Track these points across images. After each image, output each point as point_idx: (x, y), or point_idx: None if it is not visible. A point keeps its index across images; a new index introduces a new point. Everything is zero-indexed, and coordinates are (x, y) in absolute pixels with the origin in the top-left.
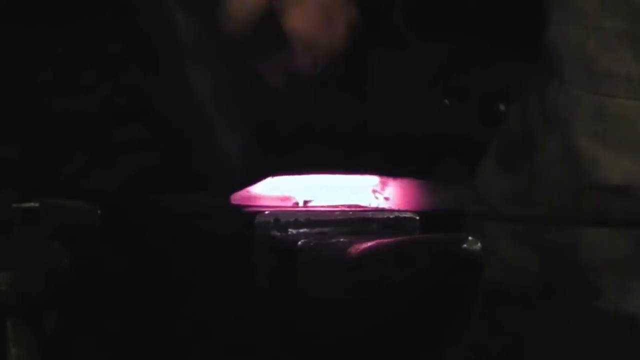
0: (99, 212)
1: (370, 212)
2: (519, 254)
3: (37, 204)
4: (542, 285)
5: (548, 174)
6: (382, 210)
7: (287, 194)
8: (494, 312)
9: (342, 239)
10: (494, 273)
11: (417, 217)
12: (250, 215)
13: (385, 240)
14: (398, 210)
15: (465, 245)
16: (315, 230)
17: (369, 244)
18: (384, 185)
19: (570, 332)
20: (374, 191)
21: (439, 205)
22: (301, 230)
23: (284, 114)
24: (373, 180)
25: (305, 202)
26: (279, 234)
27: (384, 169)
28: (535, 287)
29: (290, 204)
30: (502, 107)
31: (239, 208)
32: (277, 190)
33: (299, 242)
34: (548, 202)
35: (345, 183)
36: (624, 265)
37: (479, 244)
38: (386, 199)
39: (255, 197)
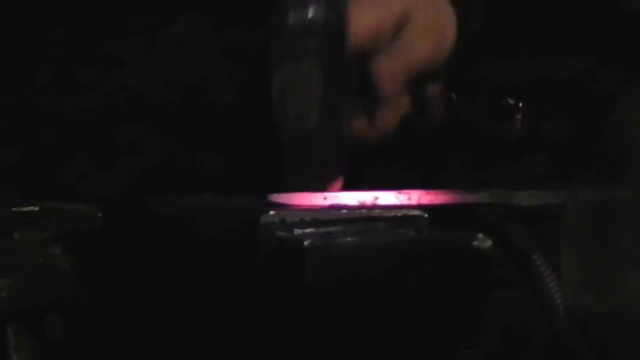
0: (100, 215)
1: (377, 211)
2: None
3: (36, 208)
4: None
5: None
6: (390, 208)
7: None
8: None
9: (349, 239)
10: None
11: (426, 215)
12: (255, 216)
13: (394, 239)
14: (406, 208)
15: (475, 243)
16: (322, 229)
17: (377, 242)
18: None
19: None
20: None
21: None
22: (307, 230)
23: None
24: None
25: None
26: (284, 234)
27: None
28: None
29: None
30: (510, 101)
31: (243, 209)
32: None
33: (305, 242)
34: None
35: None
36: None
37: (489, 242)
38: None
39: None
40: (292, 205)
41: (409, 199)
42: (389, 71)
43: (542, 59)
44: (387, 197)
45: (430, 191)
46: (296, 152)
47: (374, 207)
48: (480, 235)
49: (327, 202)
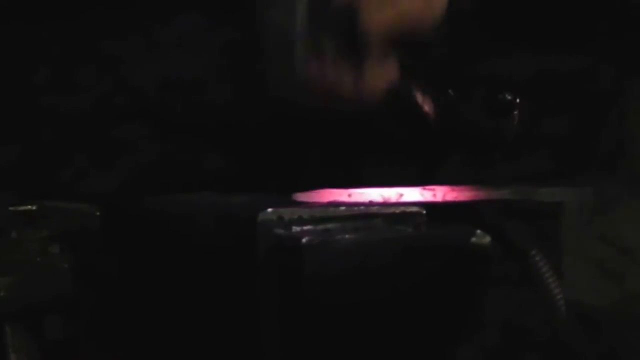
0: (98, 214)
1: (375, 207)
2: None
3: (34, 207)
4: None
5: None
6: (388, 204)
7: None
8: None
9: (347, 236)
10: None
11: (424, 211)
12: (253, 214)
13: (392, 236)
14: (404, 205)
15: (474, 239)
16: (320, 227)
17: (375, 239)
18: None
19: None
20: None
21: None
22: (305, 228)
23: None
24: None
25: None
26: (282, 231)
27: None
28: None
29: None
30: (508, 97)
31: (241, 207)
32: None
33: (303, 240)
34: None
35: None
36: None
37: (488, 238)
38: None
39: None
40: (309, 203)
41: (434, 195)
42: (376, 20)
43: (541, 55)
44: (412, 194)
45: (456, 187)
46: (277, 61)
47: (372, 204)
48: (479, 231)
49: (352, 199)
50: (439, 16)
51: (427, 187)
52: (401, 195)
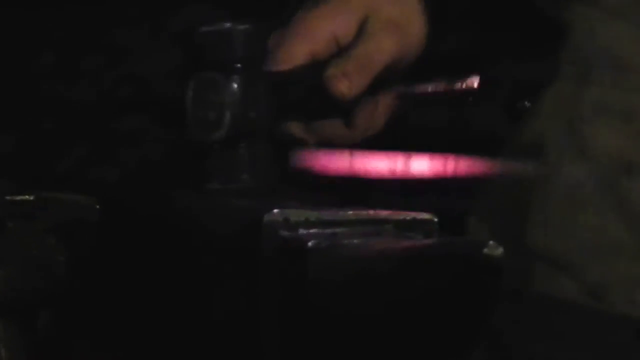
0: (97, 206)
1: (385, 213)
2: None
3: (31, 197)
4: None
5: (562, 172)
6: (399, 211)
7: None
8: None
9: (355, 241)
10: None
11: (435, 219)
12: (258, 214)
13: (402, 243)
14: (415, 212)
15: (486, 250)
16: (327, 230)
17: (384, 246)
18: None
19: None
20: None
21: None
22: (312, 231)
23: None
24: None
25: None
26: (288, 233)
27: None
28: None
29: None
30: (527, 104)
31: (246, 205)
32: None
33: (310, 243)
34: None
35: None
36: None
37: (501, 249)
38: None
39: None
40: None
41: (444, 165)
42: (345, 89)
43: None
44: (421, 164)
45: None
46: (207, 157)
47: (382, 211)
48: (491, 242)
49: (353, 162)
50: (417, 48)
51: (437, 155)
52: (409, 161)
